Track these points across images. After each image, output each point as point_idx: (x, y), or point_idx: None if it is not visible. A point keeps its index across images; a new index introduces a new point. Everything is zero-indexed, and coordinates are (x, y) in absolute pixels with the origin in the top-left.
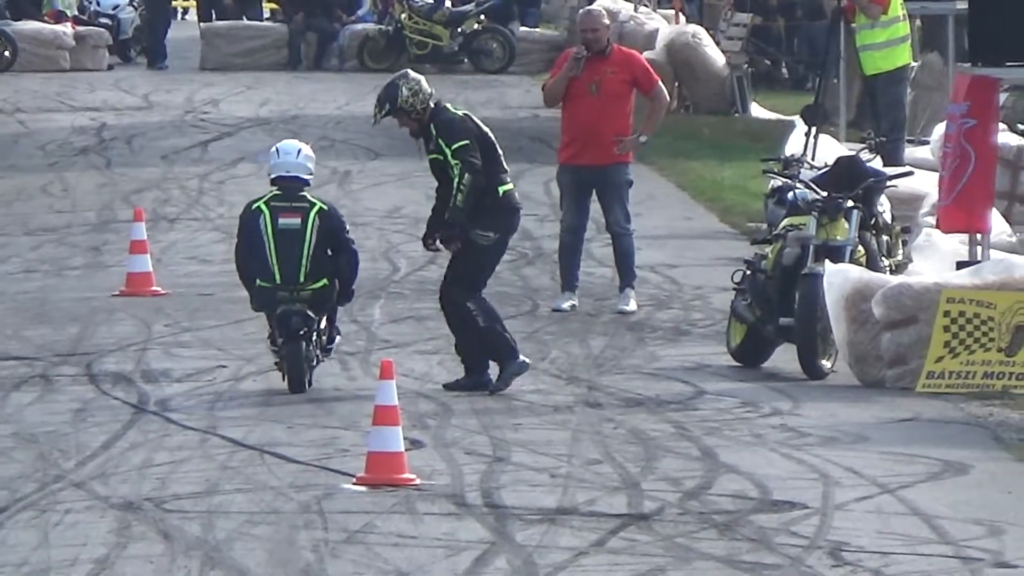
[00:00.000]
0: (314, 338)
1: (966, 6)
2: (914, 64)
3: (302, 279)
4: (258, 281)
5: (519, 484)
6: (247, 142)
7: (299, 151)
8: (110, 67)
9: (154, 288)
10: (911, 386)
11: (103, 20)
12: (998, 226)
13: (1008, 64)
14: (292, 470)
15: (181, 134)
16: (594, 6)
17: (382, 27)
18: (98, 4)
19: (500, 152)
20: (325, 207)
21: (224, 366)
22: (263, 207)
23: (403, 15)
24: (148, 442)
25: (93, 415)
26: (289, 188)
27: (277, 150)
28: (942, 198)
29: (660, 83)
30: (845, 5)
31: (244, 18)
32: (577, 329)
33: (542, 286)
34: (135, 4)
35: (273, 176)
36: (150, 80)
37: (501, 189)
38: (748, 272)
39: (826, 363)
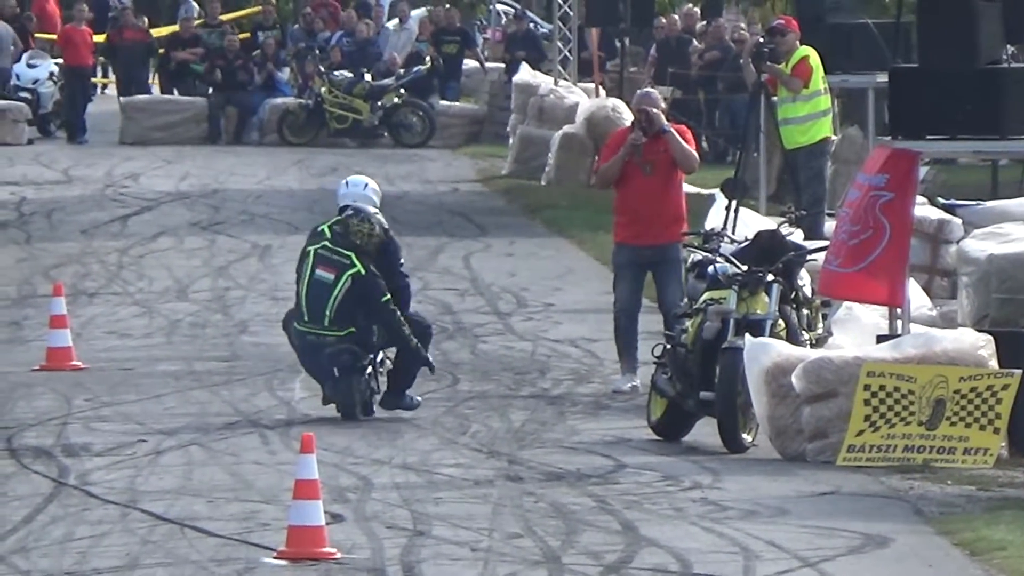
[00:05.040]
0: (368, 371)
1: (886, 80)
2: (834, 138)
3: (326, 324)
4: (295, 324)
5: (440, 558)
6: (167, 216)
7: (366, 184)
8: (30, 141)
9: (74, 363)
10: (832, 460)
11: (22, 94)
12: (918, 299)
13: (928, 137)
14: (213, 544)
15: (101, 208)
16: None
17: (302, 101)
18: (18, 78)
19: None
20: (363, 273)
21: (144, 440)
22: (312, 252)
23: (323, 89)
24: (69, 516)
25: (14, 489)
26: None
27: (347, 182)
28: (839, 263)
29: (696, 156)
30: (766, 79)
31: (175, 92)
32: (498, 404)
33: (462, 360)
34: (55, 78)
35: (341, 205)
36: (70, 154)
37: None
38: (669, 346)
39: (747, 437)
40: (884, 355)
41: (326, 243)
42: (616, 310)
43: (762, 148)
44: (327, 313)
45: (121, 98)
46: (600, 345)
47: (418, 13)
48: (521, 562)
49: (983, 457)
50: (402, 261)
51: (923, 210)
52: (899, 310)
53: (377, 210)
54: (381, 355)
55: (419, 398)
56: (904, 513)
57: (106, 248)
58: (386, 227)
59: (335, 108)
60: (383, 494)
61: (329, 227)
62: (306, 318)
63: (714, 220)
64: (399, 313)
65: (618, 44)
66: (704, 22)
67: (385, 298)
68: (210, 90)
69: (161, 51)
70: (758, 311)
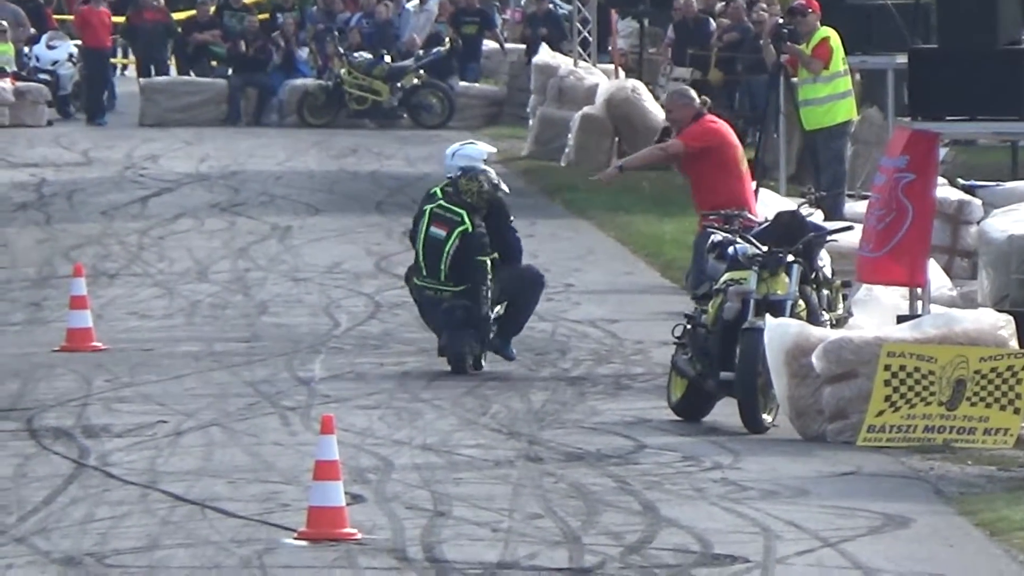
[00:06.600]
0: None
1: (906, 60)
2: (854, 119)
3: (442, 278)
4: (415, 279)
5: (460, 538)
6: (187, 197)
7: (454, 153)
8: (49, 123)
9: (94, 343)
10: (852, 440)
11: (42, 76)
12: (938, 280)
13: (948, 118)
14: (233, 525)
15: (120, 190)
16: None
17: (322, 82)
18: (37, 60)
19: None
20: (470, 229)
21: (165, 421)
22: (427, 211)
23: (343, 70)
24: (89, 497)
25: (34, 470)
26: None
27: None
28: (869, 248)
29: (683, 142)
30: (786, 60)
31: (191, 74)
32: (518, 384)
33: None
34: (74, 60)
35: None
36: (89, 136)
37: None
38: (689, 327)
39: (767, 417)
40: (904, 335)
41: (441, 202)
42: None
43: (782, 129)
44: (442, 268)
45: (140, 79)
46: (620, 326)
47: None
48: (541, 542)
49: (1003, 437)
50: (512, 217)
51: (943, 191)
52: (919, 290)
53: (486, 168)
54: (497, 309)
55: (515, 353)
56: (924, 493)
57: (126, 229)
58: (495, 182)
59: (354, 89)
60: (403, 475)
61: (441, 189)
62: (424, 273)
63: None
64: (489, 277)
65: (637, 25)
66: (723, 2)
67: (481, 256)
68: (229, 71)
69: (179, 31)
70: (778, 292)
